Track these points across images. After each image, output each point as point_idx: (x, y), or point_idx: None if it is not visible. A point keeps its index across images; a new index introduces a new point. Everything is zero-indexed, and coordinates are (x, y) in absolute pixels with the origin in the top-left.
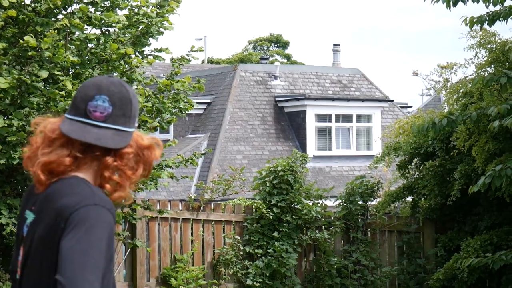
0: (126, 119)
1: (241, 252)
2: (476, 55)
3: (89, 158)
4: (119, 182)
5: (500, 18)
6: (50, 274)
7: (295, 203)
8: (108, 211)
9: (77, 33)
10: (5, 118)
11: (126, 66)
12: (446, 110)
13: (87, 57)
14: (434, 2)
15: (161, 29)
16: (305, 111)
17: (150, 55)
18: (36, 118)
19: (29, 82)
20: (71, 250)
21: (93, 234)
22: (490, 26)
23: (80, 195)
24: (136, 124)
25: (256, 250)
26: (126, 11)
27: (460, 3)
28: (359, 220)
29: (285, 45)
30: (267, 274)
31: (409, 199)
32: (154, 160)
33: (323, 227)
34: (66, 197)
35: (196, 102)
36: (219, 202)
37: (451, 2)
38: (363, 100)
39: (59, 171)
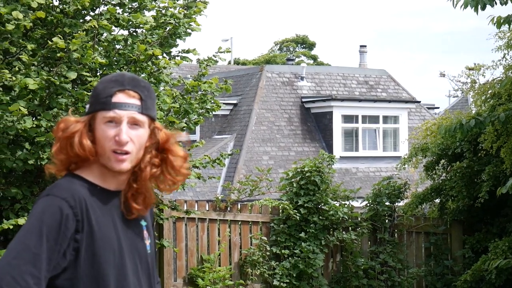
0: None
1: (267, 253)
2: (504, 56)
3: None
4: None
5: None
6: None
7: (322, 204)
8: (60, 199)
9: (104, 34)
10: (34, 119)
11: (154, 67)
12: (473, 112)
13: (114, 58)
14: (462, 7)
15: (189, 30)
16: (331, 112)
17: (178, 56)
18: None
19: (58, 83)
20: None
21: (27, 223)
22: None
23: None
24: (87, 107)
25: (283, 251)
26: (153, 12)
27: (488, 6)
28: (386, 221)
29: (311, 46)
30: (294, 275)
31: (437, 200)
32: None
33: (350, 228)
34: None
35: (223, 103)
36: (245, 203)
37: (479, 6)
38: (389, 101)
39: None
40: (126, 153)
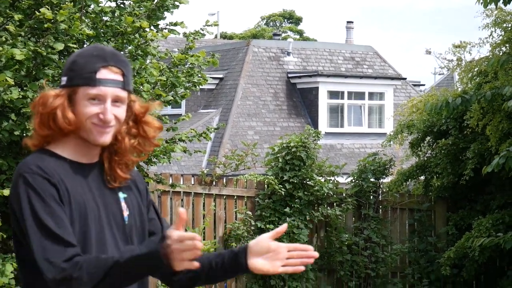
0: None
1: (252, 228)
2: (491, 34)
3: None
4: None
5: None
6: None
7: (307, 179)
8: (32, 174)
9: (92, 5)
10: (20, 89)
11: (141, 39)
12: (459, 89)
13: (102, 30)
14: None
15: (176, 3)
16: (317, 88)
17: (165, 28)
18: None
19: (45, 54)
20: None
21: (24, 206)
22: (505, 5)
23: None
24: (62, 81)
25: (267, 226)
26: None
27: None
28: (371, 197)
29: (298, 21)
30: None
31: (422, 177)
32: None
33: (335, 204)
34: None
35: (209, 77)
36: (231, 177)
37: None
38: (375, 78)
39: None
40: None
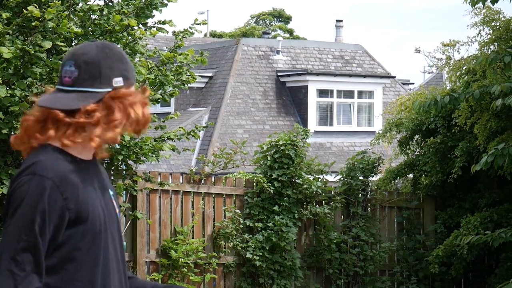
0: (93, 80)
1: (241, 226)
2: (479, 33)
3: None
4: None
5: None
6: None
7: (296, 178)
8: (46, 179)
9: (80, 4)
10: (8, 88)
11: (129, 37)
12: (448, 88)
13: (90, 28)
14: None
15: (165, 1)
16: (306, 86)
17: (154, 27)
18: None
19: (32, 52)
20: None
21: (18, 212)
22: (493, 4)
23: (23, 166)
24: (116, 82)
25: (256, 224)
26: None
27: None
28: (360, 195)
29: (287, 19)
30: (267, 248)
31: (410, 176)
32: (139, 115)
33: (323, 202)
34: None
35: (198, 76)
36: (219, 176)
37: None
38: (365, 76)
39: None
40: None
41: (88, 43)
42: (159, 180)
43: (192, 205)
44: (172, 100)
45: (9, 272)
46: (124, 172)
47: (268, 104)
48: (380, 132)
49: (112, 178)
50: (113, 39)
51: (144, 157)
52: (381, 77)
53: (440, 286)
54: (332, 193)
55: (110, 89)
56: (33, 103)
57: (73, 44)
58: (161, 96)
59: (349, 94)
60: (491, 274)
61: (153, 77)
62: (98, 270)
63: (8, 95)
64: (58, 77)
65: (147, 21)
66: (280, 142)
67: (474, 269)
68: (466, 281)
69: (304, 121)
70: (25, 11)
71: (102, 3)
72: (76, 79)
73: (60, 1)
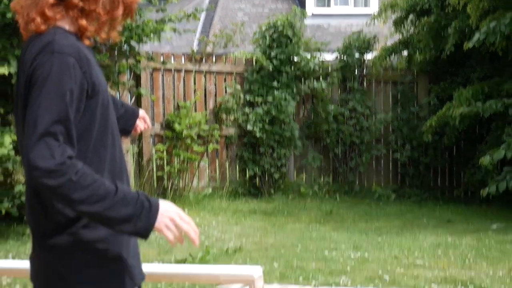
0: None
1: (241, 101)
2: None
3: (64, 7)
4: (91, 26)
5: None
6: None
7: (294, 56)
8: (67, 56)
9: None
10: None
11: None
12: None
13: None
14: None
15: None
16: None
17: None
18: None
19: None
20: (30, 111)
21: (46, 88)
22: None
23: (40, 44)
24: None
25: (256, 98)
26: None
27: None
28: (356, 71)
29: None
30: (267, 120)
31: (405, 53)
32: (135, 2)
33: (321, 78)
34: (31, 49)
35: None
36: (220, 55)
37: None
38: None
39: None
40: None
41: None
42: (162, 59)
43: (194, 82)
44: None
45: (44, 142)
46: (127, 52)
47: None
48: (376, 13)
49: (116, 58)
50: None
51: (146, 37)
52: None
53: (433, 153)
54: (329, 69)
55: None
56: None
57: None
58: None
59: None
60: (482, 142)
61: None
62: (107, 136)
63: None
64: None
65: None
66: (278, 23)
67: (466, 138)
68: (458, 149)
69: (302, 3)
70: None
71: None
72: None
73: None
